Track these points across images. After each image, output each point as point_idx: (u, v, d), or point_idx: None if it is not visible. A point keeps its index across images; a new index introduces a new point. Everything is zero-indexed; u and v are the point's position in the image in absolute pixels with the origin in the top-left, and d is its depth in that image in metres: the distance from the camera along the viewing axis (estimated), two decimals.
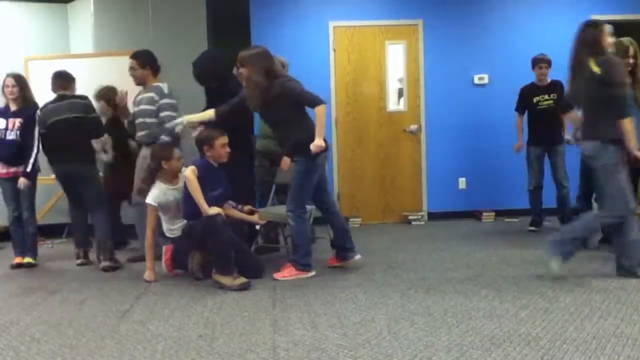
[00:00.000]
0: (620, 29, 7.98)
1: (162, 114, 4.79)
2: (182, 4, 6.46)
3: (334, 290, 3.90)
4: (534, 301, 3.51)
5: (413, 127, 6.87)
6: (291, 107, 4.27)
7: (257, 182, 5.19)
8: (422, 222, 6.76)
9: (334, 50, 6.88)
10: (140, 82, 4.99)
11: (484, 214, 6.82)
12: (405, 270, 4.42)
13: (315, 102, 4.22)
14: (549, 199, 5.95)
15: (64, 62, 5.94)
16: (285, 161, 4.86)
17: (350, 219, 6.78)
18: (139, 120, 4.90)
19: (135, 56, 4.97)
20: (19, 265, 4.90)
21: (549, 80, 5.84)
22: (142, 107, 4.88)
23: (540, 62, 5.81)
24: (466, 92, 6.98)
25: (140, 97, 4.96)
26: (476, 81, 6.97)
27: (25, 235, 4.97)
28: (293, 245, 4.46)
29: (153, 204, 4.39)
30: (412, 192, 6.94)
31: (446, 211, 6.88)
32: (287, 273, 4.32)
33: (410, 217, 6.77)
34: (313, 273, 4.35)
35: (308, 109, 4.32)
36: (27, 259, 4.94)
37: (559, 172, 5.76)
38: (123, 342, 3.03)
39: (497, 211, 6.85)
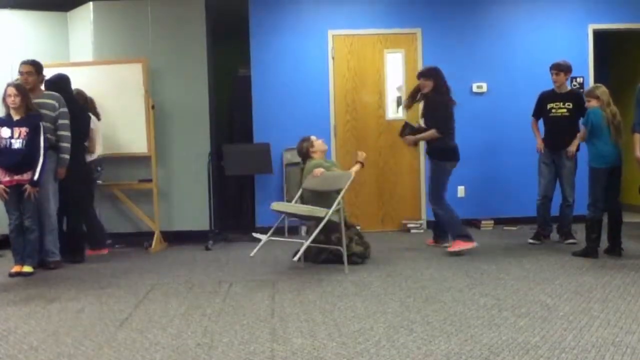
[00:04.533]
0: (618, 38, 8.05)
1: (61, 122, 5.26)
2: (181, 12, 6.48)
3: (332, 299, 3.89)
4: (532, 310, 3.50)
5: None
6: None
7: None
8: (421, 230, 6.76)
9: (333, 58, 6.91)
10: (32, 86, 5.25)
11: (483, 222, 6.83)
12: (404, 279, 4.42)
13: (434, 126, 5.39)
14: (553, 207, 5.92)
15: (63, 70, 5.96)
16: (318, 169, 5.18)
17: None
18: None
19: (32, 63, 5.30)
20: (18, 274, 4.90)
21: (567, 88, 5.75)
22: (43, 111, 5.16)
23: (552, 69, 5.72)
24: (465, 101, 6.97)
25: (36, 101, 5.19)
26: (475, 90, 6.99)
27: (25, 243, 4.97)
28: (448, 228, 5.48)
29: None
30: (411, 200, 6.95)
31: None
32: (456, 246, 5.26)
33: (409, 225, 6.77)
34: (476, 244, 5.29)
35: None
36: (26, 268, 4.94)
37: (565, 186, 5.68)
38: (121, 351, 3.02)
39: (496, 219, 6.86)
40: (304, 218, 5.43)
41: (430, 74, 5.44)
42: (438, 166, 5.43)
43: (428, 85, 5.40)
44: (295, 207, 5.06)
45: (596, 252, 4.99)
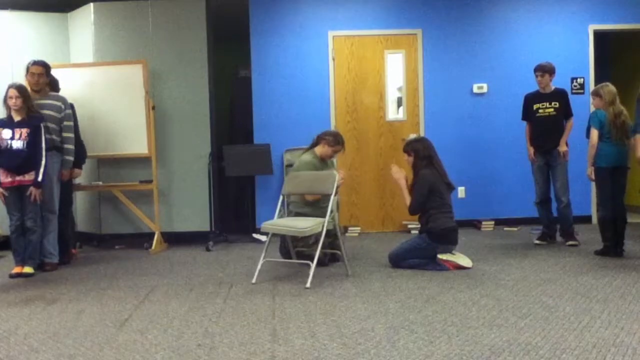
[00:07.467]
0: (619, 38, 8.04)
1: (66, 124, 5.29)
2: (182, 13, 6.49)
3: (333, 300, 3.89)
4: (533, 310, 3.50)
5: (412, 136, 6.88)
6: None
7: None
8: None
9: (334, 59, 6.91)
10: (42, 87, 5.28)
11: (483, 223, 6.83)
12: (405, 280, 4.42)
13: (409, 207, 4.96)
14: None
15: (64, 71, 5.97)
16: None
17: (350, 228, 6.79)
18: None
19: (43, 64, 5.29)
20: (18, 275, 4.90)
21: (552, 88, 5.75)
22: (48, 112, 5.18)
23: (536, 70, 5.74)
24: (465, 102, 7.01)
25: (42, 102, 5.20)
26: (475, 90, 6.99)
27: (26, 244, 4.98)
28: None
29: None
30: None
31: None
32: None
33: (410, 226, 6.76)
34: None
35: None
36: (27, 269, 4.94)
37: (558, 185, 5.67)
38: (122, 352, 3.02)
39: (496, 220, 6.86)
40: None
41: (408, 147, 5.06)
42: (427, 242, 4.83)
43: (410, 161, 5.03)
44: (288, 227, 4.45)
45: (614, 251, 4.99)
